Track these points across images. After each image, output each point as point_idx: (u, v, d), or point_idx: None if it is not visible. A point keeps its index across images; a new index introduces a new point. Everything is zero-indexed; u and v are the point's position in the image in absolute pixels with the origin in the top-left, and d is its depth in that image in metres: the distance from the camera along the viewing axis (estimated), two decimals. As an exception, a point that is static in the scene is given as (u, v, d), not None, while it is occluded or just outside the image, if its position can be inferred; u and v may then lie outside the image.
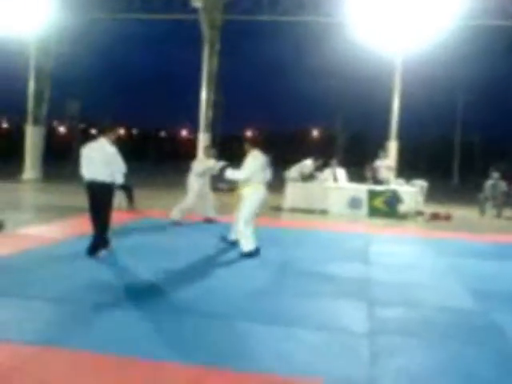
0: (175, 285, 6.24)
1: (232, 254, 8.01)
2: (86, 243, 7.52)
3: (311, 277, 6.92)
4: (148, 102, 51.39)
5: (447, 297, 6.33)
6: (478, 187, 15.95)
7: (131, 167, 13.02)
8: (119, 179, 7.55)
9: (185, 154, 43.98)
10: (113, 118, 51.70)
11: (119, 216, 11.69)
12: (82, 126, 57.72)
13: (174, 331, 4.68)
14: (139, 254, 7.83)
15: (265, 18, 19.55)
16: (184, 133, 67.48)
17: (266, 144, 8.49)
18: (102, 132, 7.65)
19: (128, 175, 13.06)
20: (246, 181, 7.84)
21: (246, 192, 7.88)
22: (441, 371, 4.13)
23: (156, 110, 53.38)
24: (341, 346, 4.54)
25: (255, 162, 7.90)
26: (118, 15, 20.14)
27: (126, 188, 13.02)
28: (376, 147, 18.39)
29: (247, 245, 7.84)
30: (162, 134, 73.17)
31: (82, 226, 9.32)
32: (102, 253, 7.47)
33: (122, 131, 60.25)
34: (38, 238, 8.82)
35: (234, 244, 8.30)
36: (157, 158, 47.05)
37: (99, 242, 7.48)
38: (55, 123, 57.58)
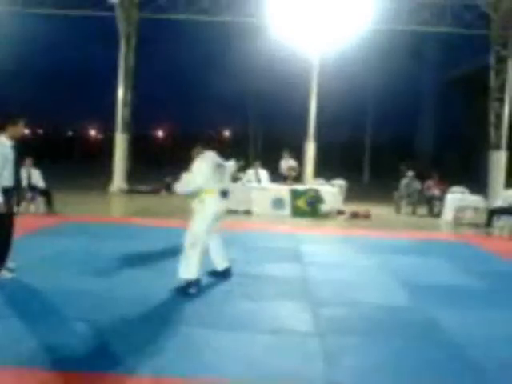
0: (110, 292, 6.05)
1: (159, 259, 7.79)
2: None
3: (249, 279, 6.92)
4: (59, 100, 49.48)
5: (382, 294, 6.52)
6: (387, 185, 16.53)
7: (44, 168, 12.76)
8: None
9: (95, 154, 42.77)
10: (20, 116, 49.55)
11: (37, 221, 11.32)
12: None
13: (115, 339, 4.56)
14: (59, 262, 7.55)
15: (181, 16, 19.36)
16: (92, 132, 65.52)
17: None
18: (2, 127, 6.17)
19: (44, 178, 12.75)
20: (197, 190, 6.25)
21: (197, 205, 6.24)
22: (390, 367, 4.26)
23: (68, 108, 51.40)
24: (293, 347, 4.57)
25: (206, 166, 6.19)
26: (31, 9, 19.29)
27: (45, 192, 12.55)
28: (291, 148, 18.66)
29: (188, 271, 6.05)
30: (70, 133, 70.67)
31: None
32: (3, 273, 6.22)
33: (26, 130, 57.93)
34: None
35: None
36: (66, 158, 45.51)
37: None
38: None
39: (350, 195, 17.04)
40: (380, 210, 15.78)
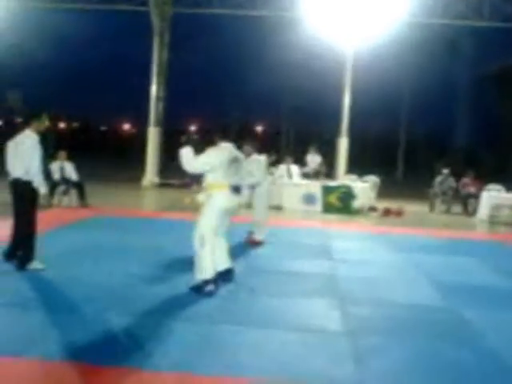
0: (138, 287, 6.05)
1: (187, 254, 7.71)
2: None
3: (279, 275, 6.87)
4: (94, 95, 50.07)
5: (412, 292, 6.41)
6: (422, 182, 16.28)
7: (77, 162, 12.89)
8: (36, 180, 6.26)
9: (129, 148, 43.12)
10: (55, 111, 50.39)
11: (71, 214, 11.47)
12: (19, 119, 55.77)
13: (141, 335, 4.52)
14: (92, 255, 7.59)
15: (215, 11, 19.35)
16: (126, 126, 65.98)
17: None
18: (27, 122, 6.44)
19: (78, 171, 12.90)
20: (207, 180, 5.93)
21: (205, 199, 5.91)
22: (420, 368, 4.17)
23: (101, 103, 51.99)
24: (322, 346, 4.51)
25: (216, 156, 5.86)
26: (63, 5, 19.54)
27: (77, 184, 12.70)
28: (325, 143, 18.57)
29: (201, 271, 5.78)
30: (103, 127, 71.32)
31: None
32: (35, 264, 6.39)
33: (62, 124, 58.67)
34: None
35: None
36: (100, 152, 46.00)
37: (27, 252, 6.38)
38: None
39: (383, 192, 16.83)
40: (413, 208, 15.56)
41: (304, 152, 16.78)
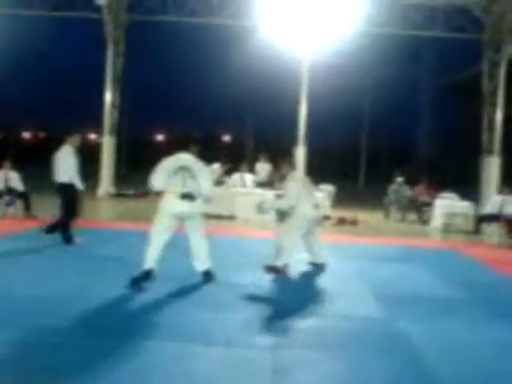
0: (64, 300, 5.76)
1: (114, 266, 7.35)
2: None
3: (216, 287, 6.64)
4: (53, 104, 49.34)
5: (353, 303, 6.26)
6: (382, 191, 16.28)
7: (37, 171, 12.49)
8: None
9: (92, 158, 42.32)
10: (17, 121, 49.41)
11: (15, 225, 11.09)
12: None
13: (58, 351, 4.27)
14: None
15: (170, 18, 19.11)
16: (92, 136, 65.15)
17: (194, 144, 6.69)
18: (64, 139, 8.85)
19: (24, 181, 12.50)
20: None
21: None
22: (342, 381, 3.98)
23: (61, 113, 51.29)
24: (243, 361, 4.28)
25: (163, 166, 6.41)
26: (19, 11, 19.08)
27: (22, 194, 12.31)
28: (283, 152, 18.45)
29: (145, 263, 6.38)
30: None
31: None
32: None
33: (27, 135, 57.63)
34: None
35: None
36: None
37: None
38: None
39: (342, 201, 16.79)
40: (369, 217, 15.50)
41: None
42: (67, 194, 8.66)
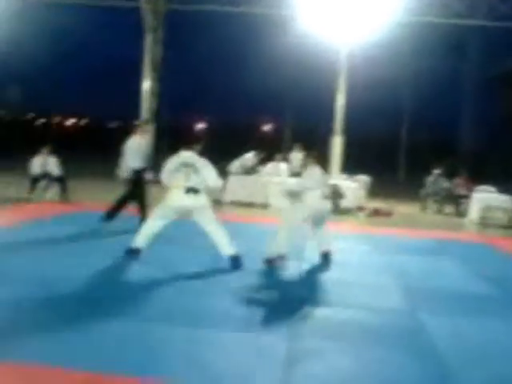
0: (88, 284, 5.85)
1: (158, 252, 7.36)
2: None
3: (244, 273, 6.64)
4: (96, 91, 50.14)
5: (377, 295, 6.16)
6: (423, 184, 16.00)
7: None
8: None
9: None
10: (61, 108, 50.39)
11: (50, 208, 11.34)
12: (30, 115, 55.77)
13: (88, 337, 4.30)
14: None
15: (208, 7, 19.11)
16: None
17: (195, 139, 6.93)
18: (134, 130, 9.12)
19: (63, 166, 12.74)
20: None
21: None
22: (355, 377, 3.91)
23: (103, 100, 52.07)
24: (256, 347, 4.26)
25: (170, 163, 6.83)
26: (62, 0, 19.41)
27: (59, 179, 12.55)
28: (323, 142, 18.37)
29: (136, 240, 6.95)
30: (113, 124, 71.04)
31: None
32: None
33: (72, 121, 58.73)
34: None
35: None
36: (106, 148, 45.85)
37: None
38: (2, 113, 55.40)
39: (379, 192, 16.58)
40: (406, 208, 15.27)
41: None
42: (134, 180, 9.06)
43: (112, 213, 9.07)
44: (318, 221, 7.48)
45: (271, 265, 6.99)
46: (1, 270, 6.13)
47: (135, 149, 9.03)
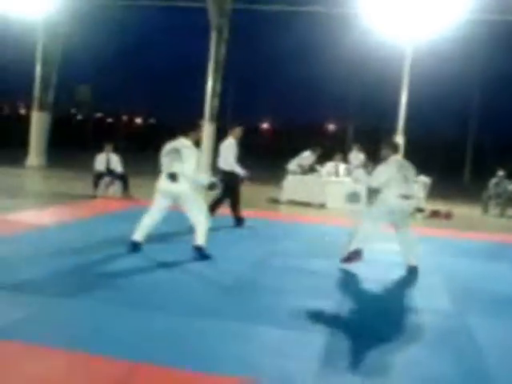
0: (139, 278, 6.06)
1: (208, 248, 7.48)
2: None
3: (291, 272, 6.73)
4: (160, 91, 51.28)
5: (425, 297, 6.11)
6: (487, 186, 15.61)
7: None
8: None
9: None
10: (128, 107, 51.74)
11: (113, 204, 11.77)
12: (98, 114, 57.47)
13: (139, 328, 4.48)
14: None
15: (274, 7, 19.27)
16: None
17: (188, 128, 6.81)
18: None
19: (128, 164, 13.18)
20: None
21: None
22: (395, 376, 3.95)
23: (168, 100, 53.15)
24: (294, 345, 4.35)
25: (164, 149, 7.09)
26: (128, 1, 20.01)
27: (122, 176, 12.96)
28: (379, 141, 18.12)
29: (136, 233, 7.11)
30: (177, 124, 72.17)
31: (71, 213, 9.56)
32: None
33: (138, 120, 60.16)
34: (23, 223, 8.72)
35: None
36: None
37: None
38: (73, 110, 57.32)
39: (441, 194, 16.27)
40: (466, 211, 14.94)
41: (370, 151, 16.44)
42: (229, 181, 9.43)
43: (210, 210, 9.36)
44: (396, 222, 7.08)
45: (350, 261, 6.88)
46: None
47: (231, 149, 9.45)
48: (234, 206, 9.71)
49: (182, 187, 6.81)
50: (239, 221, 9.71)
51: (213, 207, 9.36)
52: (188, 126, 7.17)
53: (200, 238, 6.93)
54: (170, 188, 6.85)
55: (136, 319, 4.63)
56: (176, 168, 6.76)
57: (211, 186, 7.35)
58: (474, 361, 4.32)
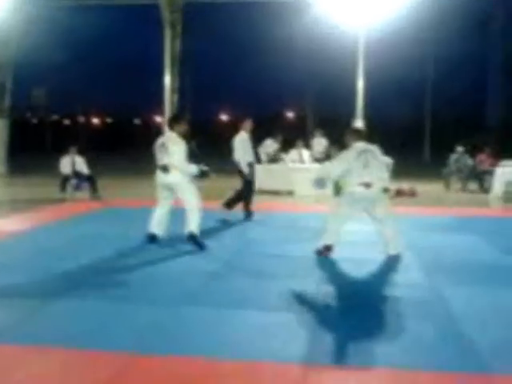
0: (120, 272, 6.16)
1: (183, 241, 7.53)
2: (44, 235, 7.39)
3: (267, 258, 6.90)
4: (117, 91, 50.85)
5: (401, 273, 6.32)
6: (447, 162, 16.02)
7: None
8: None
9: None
10: (84, 108, 51.09)
11: (82, 206, 11.70)
12: (54, 117, 56.61)
13: (121, 319, 4.61)
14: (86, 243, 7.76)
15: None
16: (159, 119, 66.18)
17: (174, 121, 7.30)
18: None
19: (91, 165, 13.12)
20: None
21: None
22: (375, 338, 4.16)
23: (126, 97, 52.69)
24: (278, 326, 4.51)
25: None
26: (72, 2, 19.71)
27: (89, 178, 12.91)
28: (344, 127, 18.37)
29: (151, 225, 7.65)
30: (136, 121, 71.65)
31: (44, 217, 9.52)
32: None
33: (95, 120, 59.45)
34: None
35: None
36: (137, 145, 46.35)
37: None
38: (28, 115, 56.29)
39: (403, 174, 16.61)
40: (429, 187, 15.32)
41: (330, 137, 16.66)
42: (244, 174, 9.73)
43: (229, 204, 9.86)
44: (367, 209, 7.01)
45: (321, 255, 7.02)
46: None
47: (244, 143, 9.70)
48: (248, 199, 9.98)
49: (173, 178, 7.21)
50: (249, 214, 9.95)
51: (234, 201, 9.83)
52: (171, 119, 7.60)
53: (192, 224, 7.24)
54: (163, 180, 7.31)
55: (125, 313, 4.73)
56: (166, 161, 7.18)
57: (202, 174, 7.56)
58: (446, 322, 4.59)
